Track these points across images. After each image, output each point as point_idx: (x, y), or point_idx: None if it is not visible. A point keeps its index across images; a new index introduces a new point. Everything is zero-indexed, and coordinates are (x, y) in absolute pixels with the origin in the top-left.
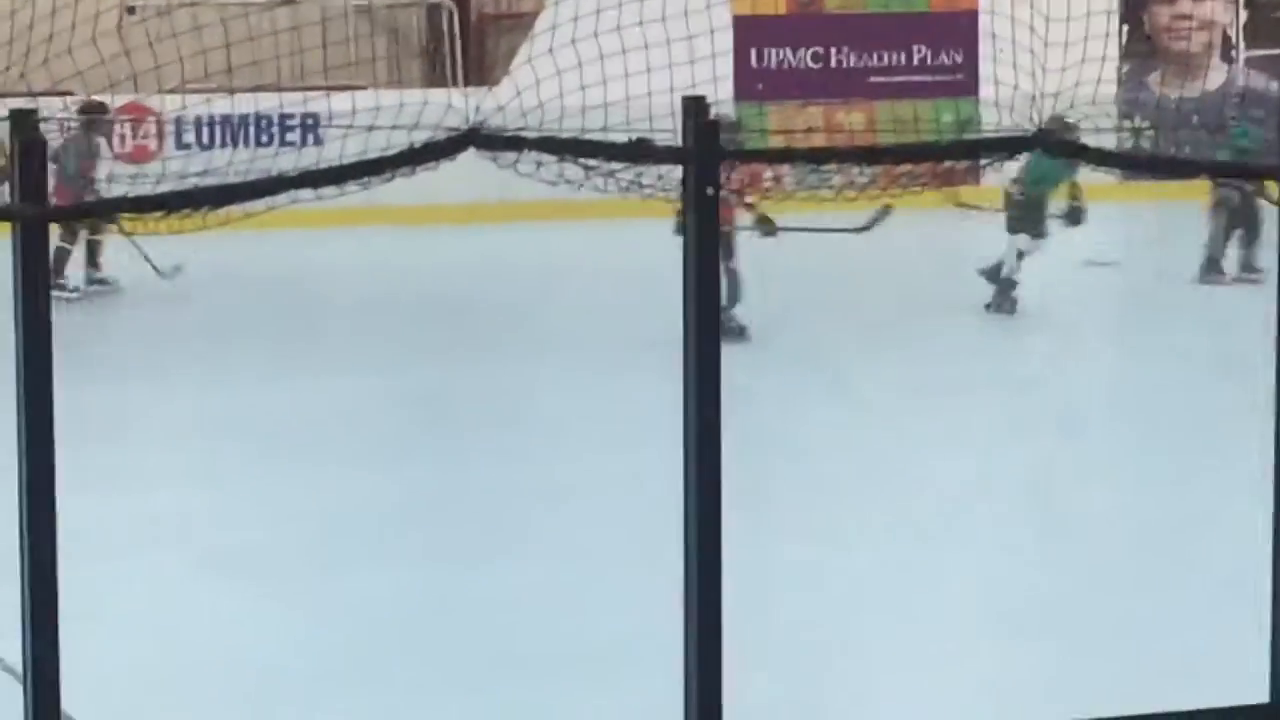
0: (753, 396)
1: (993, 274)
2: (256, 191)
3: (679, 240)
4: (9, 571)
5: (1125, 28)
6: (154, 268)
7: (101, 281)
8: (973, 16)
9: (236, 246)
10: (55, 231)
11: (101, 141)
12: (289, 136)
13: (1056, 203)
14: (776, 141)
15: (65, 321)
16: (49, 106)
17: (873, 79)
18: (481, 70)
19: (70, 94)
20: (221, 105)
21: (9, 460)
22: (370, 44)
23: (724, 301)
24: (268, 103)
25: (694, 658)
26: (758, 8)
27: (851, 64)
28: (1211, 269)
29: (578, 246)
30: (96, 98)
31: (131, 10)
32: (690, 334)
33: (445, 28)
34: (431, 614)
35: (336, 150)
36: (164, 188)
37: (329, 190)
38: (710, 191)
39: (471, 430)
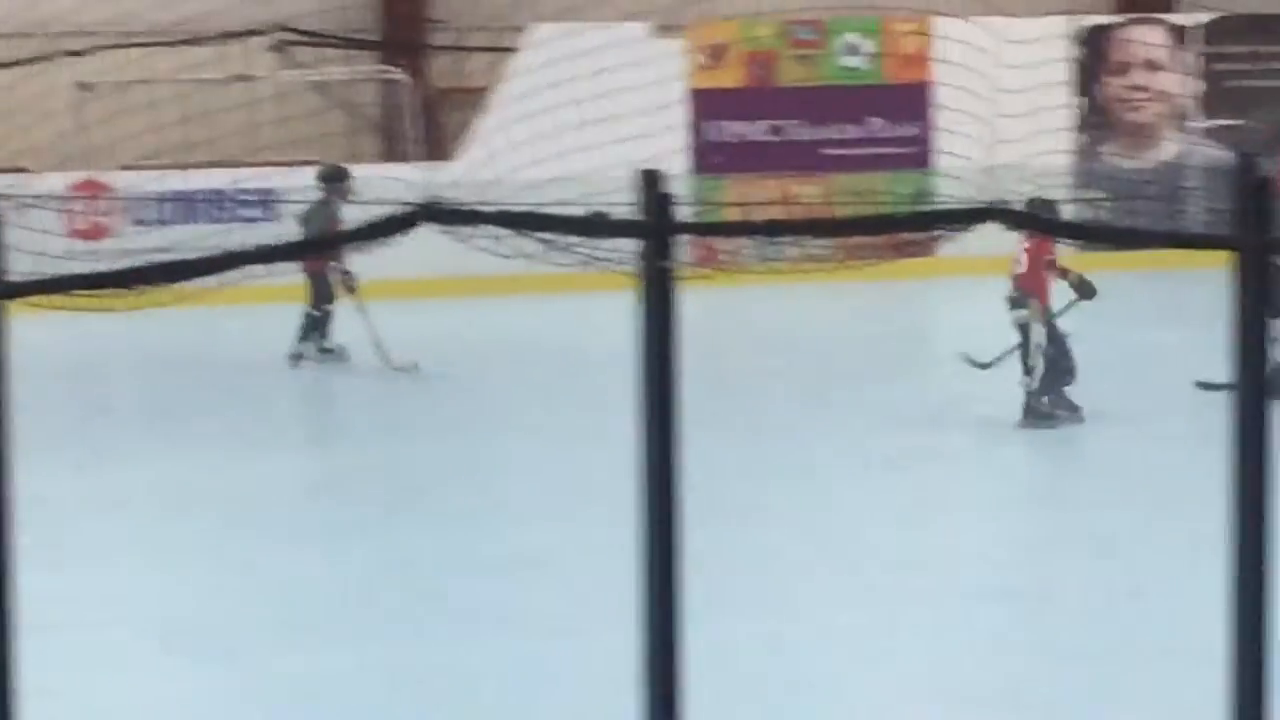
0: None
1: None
2: (211, 268)
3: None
4: None
5: (1080, 100)
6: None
7: (328, 351)
8: (927, 89)
9: (184, 323)
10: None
11: (343, 206)
12: (243, 212)
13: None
14: (732, 214)
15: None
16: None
17: (828, 151)
18: (438, 145)
19: (25, 169)
20: (176, 181)
21: None
22: (325, 119)
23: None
24: (222, 178)
25: None
26: (713, 81)
27: (807, 137)
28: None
29: (534, 319)
30: (337, 164)
31: (87, 87)
32: (646, 405)
33: (401, 102)
34: (385, 690)
35: (291, 225)
36: (120, 264)
37: (284, 266)
38: (665, 265)
39: (424, 504)
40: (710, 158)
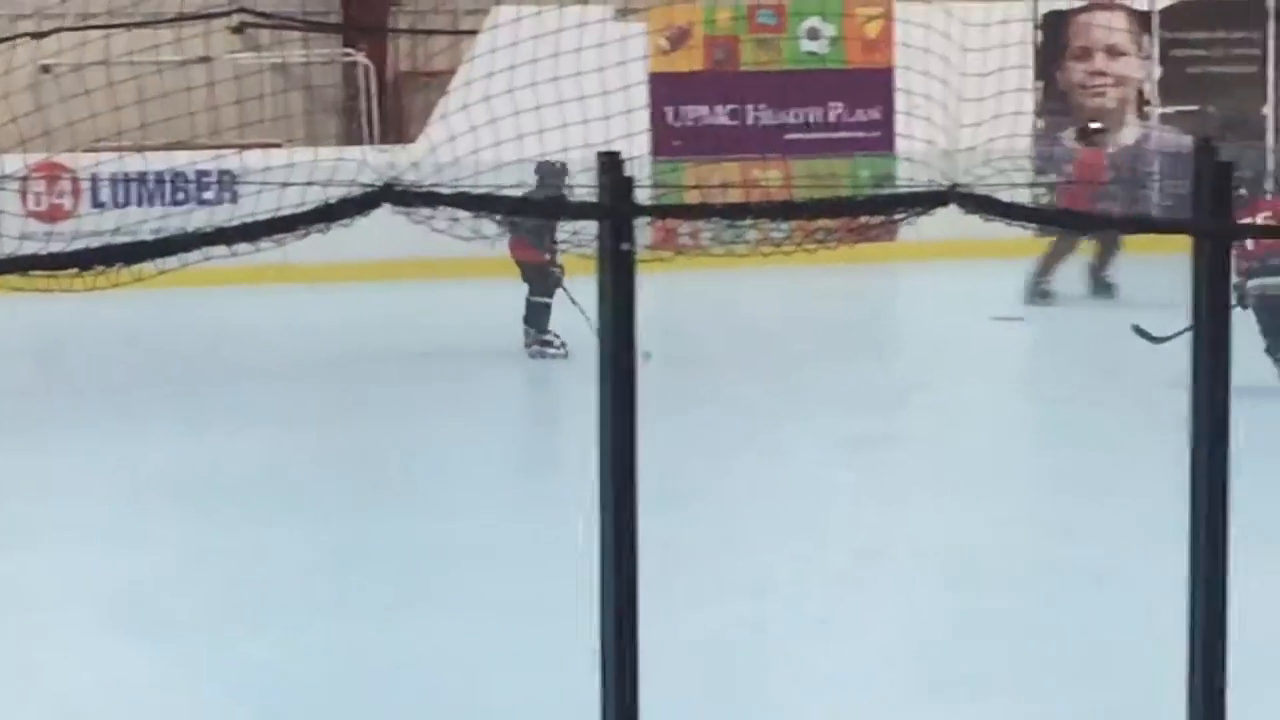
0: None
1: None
2: (170, 248)
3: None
4: None
5: (1040, 84)
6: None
7: (548, 342)
8: (888, 73)
9: (148, 303)
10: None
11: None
12: (204, 194)
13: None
14: (692, 197)
15: None
16: None
17: (789, 135)
18: (398, 127)
19: None
20: (136, 163)
21: None
22: (285, 101)
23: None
24: (182, 159)
25: (612, 716)
26: (674, 65)
27: (768, 121)
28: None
29: (493, 303)
30: (552, 159)
31: (47, 69)
32: (606, 388)
33: (361, 85)
34: (345, 672)
35: (251, 207)
36: (78, 245)
37: (243, 247)
38: (625, 247)
39: (385, 487)
40: (671, 141)
